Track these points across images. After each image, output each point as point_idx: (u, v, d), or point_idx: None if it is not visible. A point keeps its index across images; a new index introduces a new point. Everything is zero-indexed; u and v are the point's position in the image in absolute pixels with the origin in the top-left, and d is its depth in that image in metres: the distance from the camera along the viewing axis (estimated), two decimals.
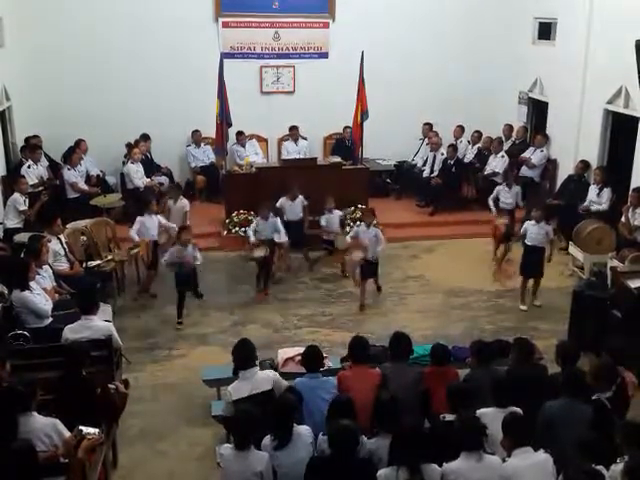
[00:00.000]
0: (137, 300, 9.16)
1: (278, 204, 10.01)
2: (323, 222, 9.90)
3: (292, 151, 12.88)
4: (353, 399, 5.09)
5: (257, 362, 5.66)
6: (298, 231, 10.05)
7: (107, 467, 5.57)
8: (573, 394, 5.06)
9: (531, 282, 9.04)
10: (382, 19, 12.90)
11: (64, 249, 8.27)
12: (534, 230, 8.78)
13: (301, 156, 12.57)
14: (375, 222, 9.17)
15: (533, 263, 8.84)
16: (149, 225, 9.16)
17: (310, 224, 10.23)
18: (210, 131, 11.58)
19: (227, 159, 11.61)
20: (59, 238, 8.24)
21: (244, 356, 5.50)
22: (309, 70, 13.14)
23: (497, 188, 10.54)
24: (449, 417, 4.96)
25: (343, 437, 4.49)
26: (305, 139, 13.18)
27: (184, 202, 10.06)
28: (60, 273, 7.97)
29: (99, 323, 6.42)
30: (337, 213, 10.06)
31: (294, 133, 12.97)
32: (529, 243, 8.84)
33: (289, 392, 5.31)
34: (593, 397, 5.21)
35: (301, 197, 10.11)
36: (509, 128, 13.20)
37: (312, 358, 5.65)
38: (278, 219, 9.50)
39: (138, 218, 9.17)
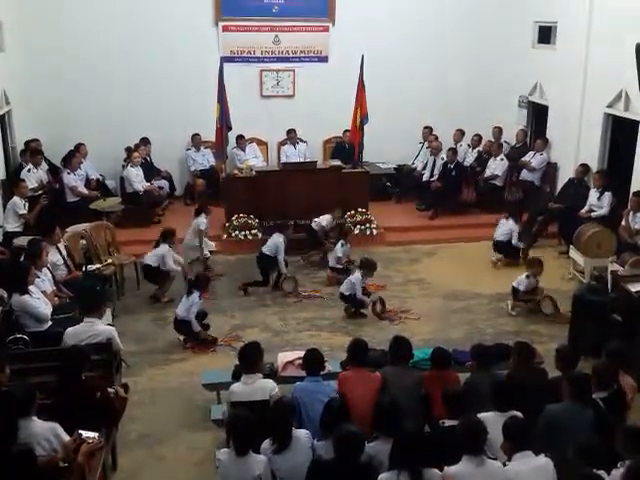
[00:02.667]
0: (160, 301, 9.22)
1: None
2: (339, 253, 9.78)
3: (291, 155, 12.86)
4: (352, 402, 5.08)
5: (262, 368, 5.72)
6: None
7: (107, 471, 5.55)
8: (577, 397, 5.05)
9: None
10: (382, 23, 12.88)
11: (63, 258, 8.27)
12: (526, 283, 8.86)
13: (300, 159, 12.56)
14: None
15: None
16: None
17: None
18: (210, 135, 11.59)
19: (227, 163, 11.61)
20: (58, 248, 8.23)
21: (249, 360, 5.53)
22: (309, 74, 13.13)
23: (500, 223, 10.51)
24: (449, 423, 4.95)
25: (349, 442, 4.47)
26: (304, 142, 13.17)
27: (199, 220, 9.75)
28: (59, 279, 7.98)
29: (101, 326, 6.42)
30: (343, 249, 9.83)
31: (292, 136, 12.96)
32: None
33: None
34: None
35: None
36: (499, 130, 13.16)
37: (312, 362, 5.64)
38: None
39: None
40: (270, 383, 5.55)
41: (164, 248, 9.00)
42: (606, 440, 4.72)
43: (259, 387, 5.44)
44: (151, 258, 9.05)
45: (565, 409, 5.05)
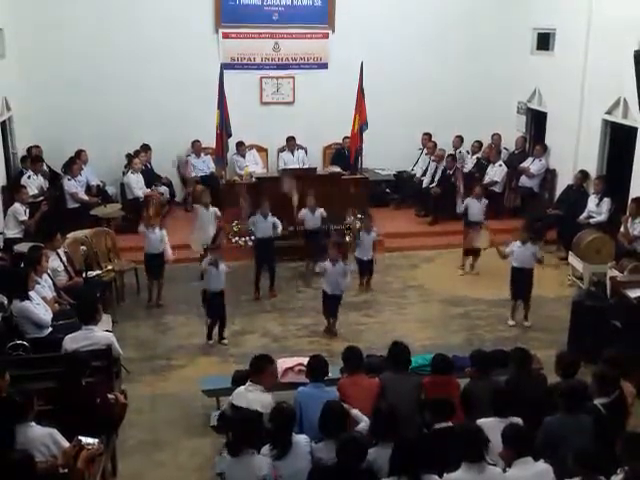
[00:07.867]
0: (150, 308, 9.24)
1: (300, 215, 10.12)
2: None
3: (289, 162, 12.80)
4: (351, 408, 5.09)
5: None
6: (317, 241, 10.13)
7: (106, 477, 5.55)
8: (571, 407, 5.05)
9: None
10: (381, 30, 12.93)
11: (63, 264, 8.27)
12: (520, 252, 8.63)
13: (299, 166, 12.57)
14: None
15: (520, 285, 8.69)
16: (152, 240, 9.12)
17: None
18: (210, 141, 11.61)
19: (227, 169, 11.64)
20: (58, 253, 8.25)
21: (256, 369, 5.52)
22: (309, 81, 13.18)
23: (466, 201, 10.48)
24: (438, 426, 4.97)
25: (352, 449, 4.47)
26: (303, 149, 13.17)
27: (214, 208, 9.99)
28: (59, 285, 7.99)
29: (99, 333, 6.42)
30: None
31: (292, 144, 12.93)
32: (515, 265, 8.70)
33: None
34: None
35: (321, 210, 10.15)
36: (498, 137, 13.20)
37: (316, 368, 5.63)
38: (275, 218, 9.54)
39: (140, 229, 9.15)
40: (268, 399, 5.38)
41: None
42: (606, 446, 4.73)
43: (256, 399, 5.33)
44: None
45: (562, 420, 5.03)
